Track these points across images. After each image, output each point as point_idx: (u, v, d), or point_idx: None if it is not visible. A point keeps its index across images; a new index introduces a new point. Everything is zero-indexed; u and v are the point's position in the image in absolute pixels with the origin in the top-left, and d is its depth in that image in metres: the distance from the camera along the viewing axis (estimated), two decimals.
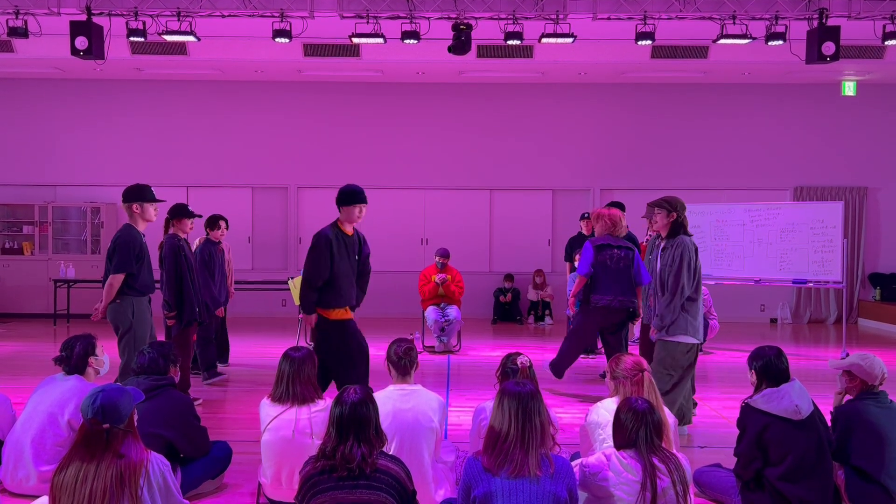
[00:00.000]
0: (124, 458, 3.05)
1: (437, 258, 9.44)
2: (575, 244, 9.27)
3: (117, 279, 5.53)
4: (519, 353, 4.20)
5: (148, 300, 5.78)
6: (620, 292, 6.69)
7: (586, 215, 9.64)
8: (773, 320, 12.49)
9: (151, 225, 5.98)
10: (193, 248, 7.42)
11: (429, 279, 9.45)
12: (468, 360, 8.92)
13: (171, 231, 6.78)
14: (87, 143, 12.45)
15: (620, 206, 7.79)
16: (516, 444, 3.03)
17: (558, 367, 7.06)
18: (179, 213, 6.85)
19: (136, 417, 3.22)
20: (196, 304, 6.56)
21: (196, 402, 6.60)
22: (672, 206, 5.73)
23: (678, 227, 5.71)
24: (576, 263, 9.22)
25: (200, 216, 7.23)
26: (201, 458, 4.34)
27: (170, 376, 4.37)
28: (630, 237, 7.51)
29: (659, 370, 5.56)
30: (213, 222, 7.90)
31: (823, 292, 12.39)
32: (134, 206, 5.67)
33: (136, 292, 5.62)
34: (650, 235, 7.35)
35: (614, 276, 6.69)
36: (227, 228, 8.00)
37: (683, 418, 5.65)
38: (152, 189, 5.88)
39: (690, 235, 5.75)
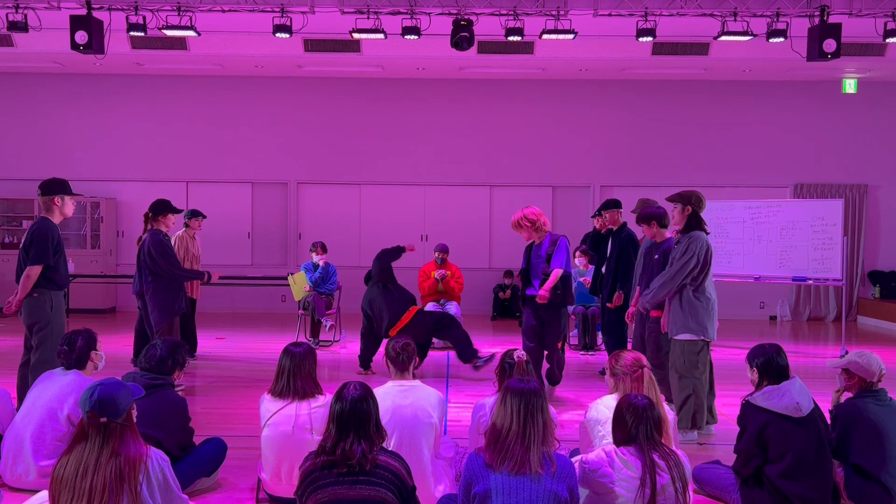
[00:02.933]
0: (123, 453, 3.05)
1: (437, 254, 9.45)
2: (588, 241, 9.25)
3: (35, 271, 5.41)
4: (516, 349, 4.21)
5: (64, 294, 5.70)
6: None
7: (598, 213, 9.66)
8: (773, 318, 12.49)
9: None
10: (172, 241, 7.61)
11: (428, 275, 9.45)
12: None
13: (152, 226, 6.97)
14: (87, 138, 12.43)
15: (617, 204, 7.77)
16: (517, 441, 3.03)
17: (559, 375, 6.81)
18: (164, 209, 7.05)
19: (134, 413, 3.21)
20: (182, 296, 6.93)
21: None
22: (685, 200, 5.61)
23: (693, 221, 5.58)
24: (575, 260, 9.25)
25: (182, 211, 7.39)
26: (181, 454, 4.29)
27: (170, 378, 4.36)
28: (629, 235, 7.48)
29: (672, 374, 5.53)
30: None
31: (823, 290, 12.38)
32: (55, 199, 5.57)
33: (54, 285, 5.52)
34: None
35: None
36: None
37: (694, 424, 5.48)
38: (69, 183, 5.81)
39: (707, 232, 5.60)
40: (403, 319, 7.37)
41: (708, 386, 5.69)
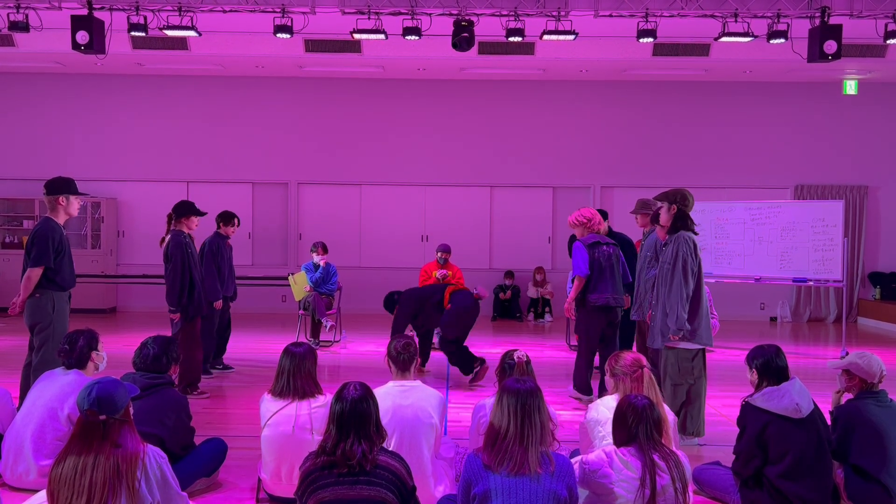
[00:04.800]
0: (121, 449, 3.07)
1: (439, 254, 9.45)
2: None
3: (35, 273, 5.37)
4: (516, 349, 4.21)
5: (68, 295, 5.63)
6: (615, 290, 6.57)
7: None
8: (773, 319, 12.49)
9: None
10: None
11: (429, 275, 9.45)
12: None
13: (174, 227, 6.78)
14: (88, 138, 12.44)
15: (603, 214, 7.83)
16: (515, 442, 3.02)
17: (584, 385, 6.67)
18: (187, 211, 6.85)
19: (131, 410, 3.23)
20: (202, 299, 6.76)
21: (203, 396, 6.64)
22: (670, 199, 5.49)
23: (679, 221, 5.46)
24: None
25: (206, 213, 7.18)
26: (182, 454, 4.30)
27: (168, 375, 4.35)
28: (621, 238, 7.49)
29: (667, 382, 5.38)
30: (229, 218, 7.87)
31: (823, 291, 12.38)
32: (60, 198, 5.52)
33: (56, 287, 5.48)
34: (644, 231, 7.30)
35: (608, 274, 6.57)
36: (238, 226, 8.01)
37: (684, 429, 5.37)
38: (76, 183, 5.73)
39: (695, 232, 5.48)
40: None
41: (705, 392, 5.56)
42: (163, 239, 6.80)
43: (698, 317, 5.37)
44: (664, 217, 5.57)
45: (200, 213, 6.98)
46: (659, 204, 5.69)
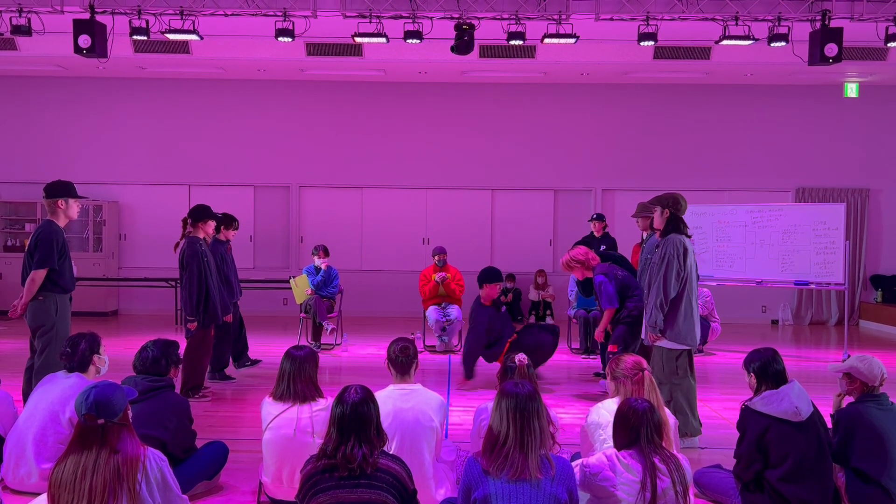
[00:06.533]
0: (121, 453, 3.07)
1: (436, 257, 9.46)
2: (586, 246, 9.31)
3: (39, 275, 5.37)
4: (517, 353, 4.21)
5: (69, 298, 5.61)
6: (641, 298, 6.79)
7: (596, 217, 9.63)
8: (775, 322, 12.48)
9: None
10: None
11: (429, 279, 9.46)
12: None
13: (190, 232, 6.69)
14: (90, 142, 12.46)
15: (601, 218, 7.83)
16: (515, 448, 3.01)
17: None
18: (205, 215, 6.75)
19: (130, 413, 3.24)
20: (218, 306, 6.70)
21: (204, 399, 6.64)
22: (663, 203, 5.53)
23: (670, 225, 5.49)
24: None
25: (222, 217, 7.11)
26: (184, 457, 4.30)
27: (169, 377, 4.36)
28: (609, 241, 7.52)
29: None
30: (230, 221, 7.76)
31: (825, 294, 12.38)
32: (59, 202, 5.51)
33: (59, 289, 5.47)
34: (645, 235, 7.33)
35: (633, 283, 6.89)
36: (237, 228, 7.93)
37: (684, 432, 5.34)
38: (74, 186, 5.72)
39: (689, 235, 5.49)
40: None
41: (693, 393, 5.51)
42: (177, 244, 6.72)
43: (682, 317, 5.37)
44: (658, 221, 5.61)
45: (218, 218, 6.92)
46: (653, 208, 5.73)
